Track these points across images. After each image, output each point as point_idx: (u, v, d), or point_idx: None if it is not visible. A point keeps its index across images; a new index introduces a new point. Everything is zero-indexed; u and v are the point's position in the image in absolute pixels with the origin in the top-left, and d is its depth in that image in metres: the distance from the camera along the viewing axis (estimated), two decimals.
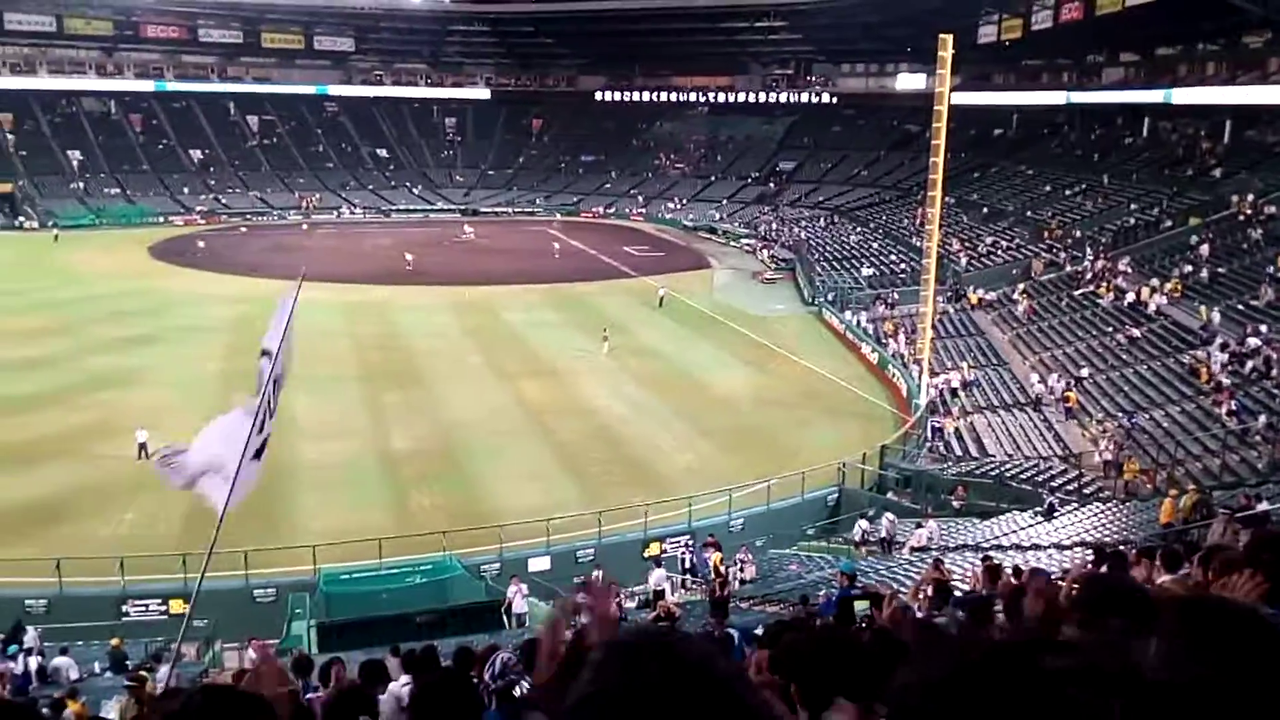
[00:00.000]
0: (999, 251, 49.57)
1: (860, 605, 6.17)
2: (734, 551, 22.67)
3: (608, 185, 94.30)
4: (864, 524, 23.78)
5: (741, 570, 22.03)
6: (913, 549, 21.28)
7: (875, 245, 57.63)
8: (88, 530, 22.60)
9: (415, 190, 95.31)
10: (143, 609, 20.06)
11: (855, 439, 29.67)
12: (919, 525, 22.67)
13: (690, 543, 23.56)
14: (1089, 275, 41.07)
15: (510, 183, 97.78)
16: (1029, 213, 53.99)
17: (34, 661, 15.97)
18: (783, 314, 48.84)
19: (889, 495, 26.89)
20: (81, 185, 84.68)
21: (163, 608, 20.09)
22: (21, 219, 77.12)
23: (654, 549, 23.57)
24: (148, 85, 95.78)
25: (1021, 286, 42.81)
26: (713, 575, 20.76)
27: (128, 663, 15.81)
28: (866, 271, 51.48)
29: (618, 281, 56.65)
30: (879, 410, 33.75)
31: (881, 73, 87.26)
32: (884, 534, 23.10)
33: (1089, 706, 0.94)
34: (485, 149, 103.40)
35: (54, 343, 38.86)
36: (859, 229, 63.80)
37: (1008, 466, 26.98)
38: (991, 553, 17.19)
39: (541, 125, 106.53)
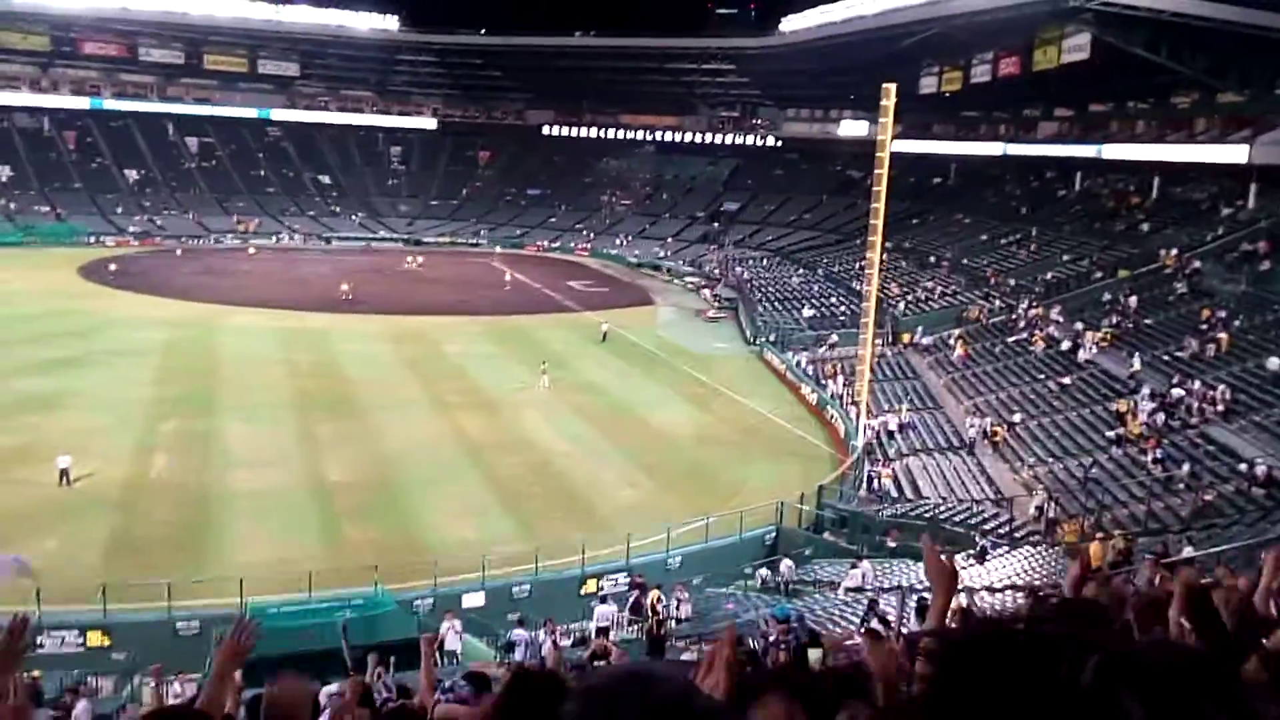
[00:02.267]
0: (936, 297, 50.56)
1: (814, 654, 6.13)
2: (671, 590, 22.52)
3: (553, 219, 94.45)
4: (764, 571, 24.14)
5: (678, 608, 21.89)
6: (848, 589, 21.37)
7: (816, 287, 58.40)
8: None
9: (358, 218, 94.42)
10: (58, 641, 19.30)
11: (794, 478, 29.81)
12: (854, 565, 22.79)
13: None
14: (1022, 323, 42.03)
15: (454, 214, 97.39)
16: (965, 260, 55.21)
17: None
18: (725, 352, 49.14)
19: (825, 535, 27.03)
20: (9, 201, 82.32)
21: (80, 640, 19.38)
22: None
23: (591, 585, 23.34)
24: (83, 103, 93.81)
25: (957, 332, 43.64)
26: (649, 614, 20.60)
27: (44, 697, 15.20)
28: (808, 313, 52.10)
29: (561, 315, 56.55)
30: (817, 450, 34.00)
31: (825, 118, 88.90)
32: (782, 578, 23.43)
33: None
34: (430, 179, 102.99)
35: None
36: (801, 270, 64.64)
37: (941, 509, 27.32)
38: (925, 594, 17.31)
39: (488, 157, 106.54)
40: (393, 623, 20.76)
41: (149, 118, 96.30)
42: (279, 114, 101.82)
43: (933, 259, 57.64)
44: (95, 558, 21.94)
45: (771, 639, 11.09)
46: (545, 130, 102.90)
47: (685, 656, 13.45)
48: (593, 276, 73.84)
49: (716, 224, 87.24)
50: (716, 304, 61.96)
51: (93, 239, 77.92)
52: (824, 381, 40.39)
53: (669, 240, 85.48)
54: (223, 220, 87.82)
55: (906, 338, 44.65)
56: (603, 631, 19.35)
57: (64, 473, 25.75)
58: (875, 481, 30.39)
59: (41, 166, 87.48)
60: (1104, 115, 60.54)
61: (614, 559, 24.29)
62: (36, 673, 16.90)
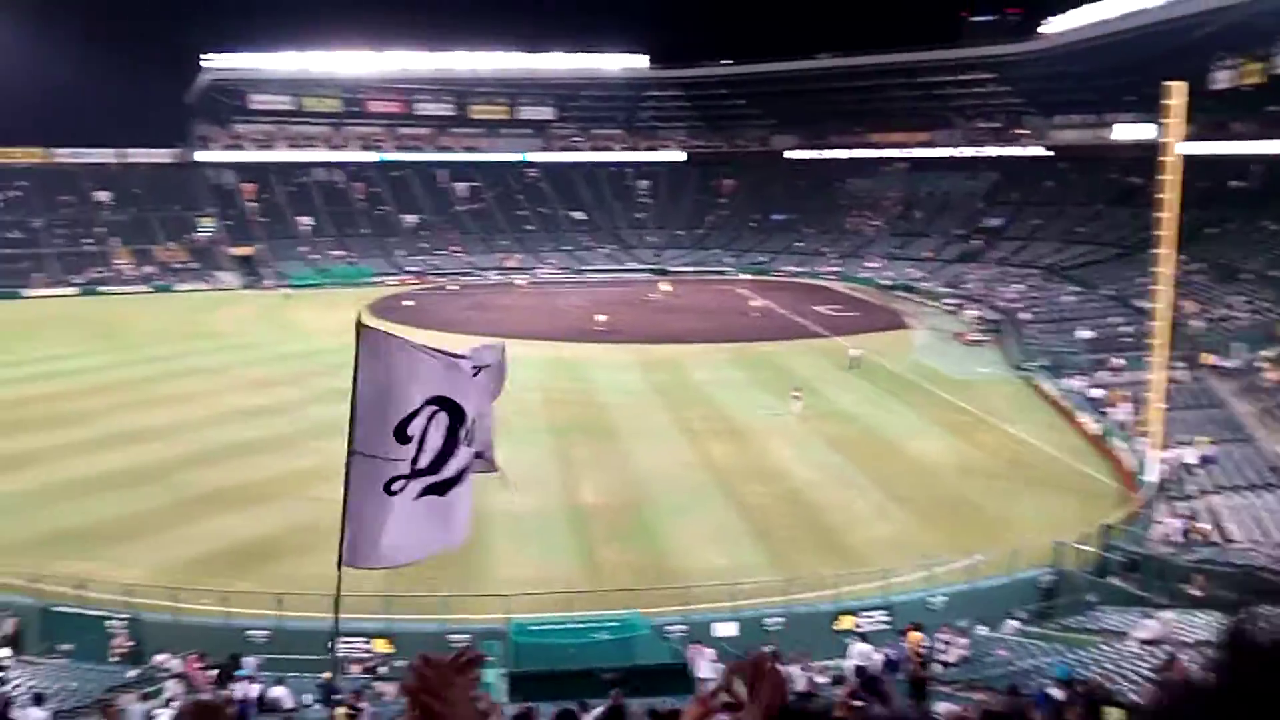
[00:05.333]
0: (1240, 314, 45.23)
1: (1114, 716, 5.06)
2: (936, 631, 21.02)
3: (799, 244, 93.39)
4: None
5: (945, 651, 20.36)
6: (1142, 641, 19.02)
7: (1094, 306, 53.97)
8: (303, 567, 23.36)
9: (608, 251, 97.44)
10: (350, 646, 20.50)
11: (1071, 516, 27.19)
12: (1147, 615, 20.32)
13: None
14: None
15: (700, 242, 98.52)
16: (1273, 271, 49.17)
17: (255, 689, 16.48)
18: (988, 378, 46.16)
19: (1111, 579, 24.40)
20: (310, 248, 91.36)
21: (368, 645, 20.58)
22: (258, 278, 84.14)
23: (846, 622, 22.19)
24: (370, 156, 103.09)
25: (1269, 353, 38.67)
26: (911, 655, 19.24)
27: (336, 697, 16.14)
28: (1084, 334, 48.12)
29: (809, 341, 55.39)
30: (1099, 486, 30.97)
31: (1098, 123, 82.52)
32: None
33: None
34: (677, 210, 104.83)
35: (282, 392, 41.56)
36: (1075, 289, 59.98)
37: (1255, 554, 23.95)
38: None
39: (733, 186, 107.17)
40: (646, 647, 20.64)
41: (424, 166, 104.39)
42: (536, 156, 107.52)
43: (1235, 271, 51.82)
44: (376, 570, 23.10)
45: (1061, 698, 9.75)
46: (789, 155, 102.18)
47: (944, 706, 12.19)
48: (841, 300, 72.11)
49: (976, 241, 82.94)
50: (978, 326, 58.60)
51: (378, 279, 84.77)
52: (1105, 409, 36.89)
53: (923, 260, 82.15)
54: (488, 257, 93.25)
55: (1206, 360, 40.06)
56: (860, 671, 18.20)
57: None
58: (1175, 522, 27.16)
59: (336, 216, 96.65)
60: None
61: (870, 595, 23.02)
62: (326, 675, 17.99)
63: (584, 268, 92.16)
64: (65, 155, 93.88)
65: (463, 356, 6.09)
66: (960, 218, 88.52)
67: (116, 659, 20.22)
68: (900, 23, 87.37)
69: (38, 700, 14.91)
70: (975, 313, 61.57)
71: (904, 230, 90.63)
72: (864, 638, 20.30)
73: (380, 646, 20.29)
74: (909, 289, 74.67)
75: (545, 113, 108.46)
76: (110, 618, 21.13)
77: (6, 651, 19.27)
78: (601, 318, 58.66)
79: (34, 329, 60.30)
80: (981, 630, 22.59)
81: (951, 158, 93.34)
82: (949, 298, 68.73)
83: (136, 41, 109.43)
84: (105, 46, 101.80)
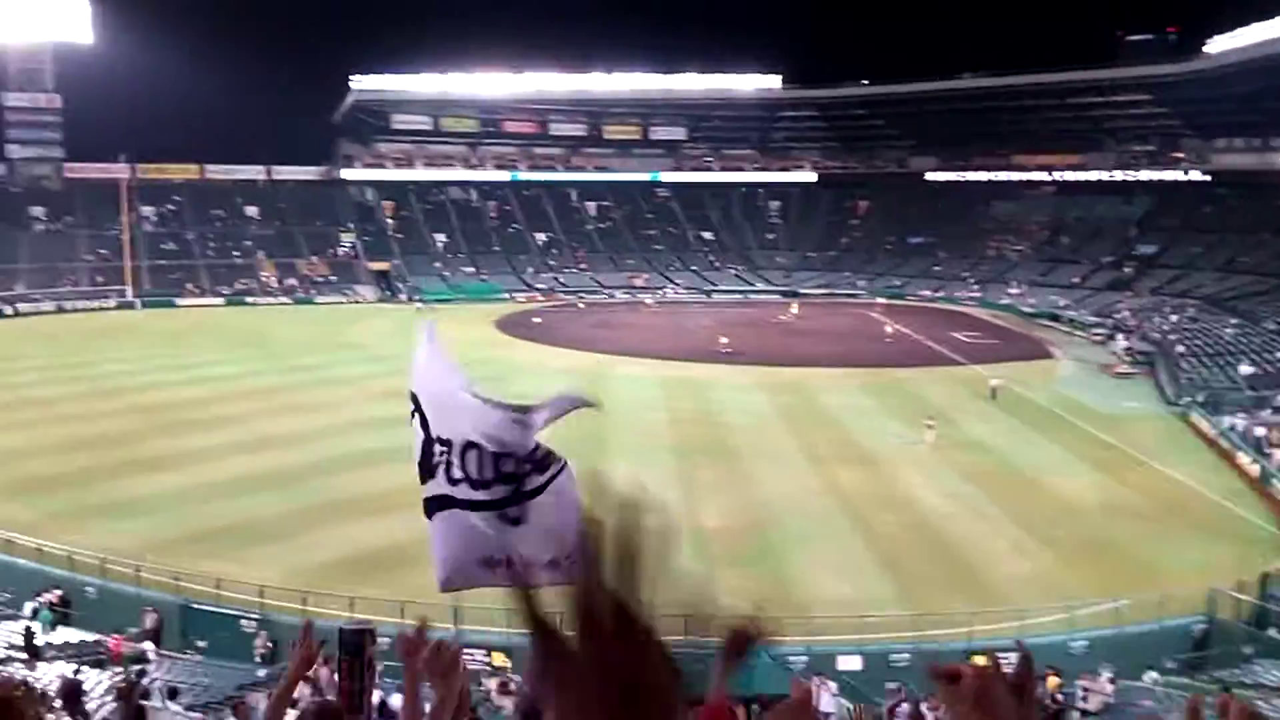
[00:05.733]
0: None
1: None
2: (1076, 678, 19.72)
3: (937, 268, 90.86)
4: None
5: (1085, 699, 19.06)
6: None
7: (1256, 340, 50.44)
8: (426, 575, 23.56)
9: (737, 271, 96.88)
10: (470, 658, 20.50)
11: (1227, 562, 25.18)
12: None
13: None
14: None
15: (832, 265, 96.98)
16: None
17: (375, 695, 16.52)
18: (1138, 413, 43.54)
19: (1271, 631, 22.44)
20: (443, 264, 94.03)
21: (486, 658, 20.54)
22: (393, 292, 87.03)
23: (979, 662, 20.96)
24: (504, 176, 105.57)
25: None
26: (1048, 700, 18.05)
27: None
28: (1246, 370, 44.98)
29: (945, 369, 53.54)
30: (1258, 531, 28.68)
31: (1265, 147, 77.60)
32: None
33: None
34: (808, 231, 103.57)
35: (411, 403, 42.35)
36: (1236, 321, 56.26)
37: None
38: None
39: (867, 207, 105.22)
40: (766, 677, 19.94)
41: (555, 186, 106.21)
42: (668, 176, 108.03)
43: None
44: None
45: None
46: (929, 176, 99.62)
47: None
48: (980, 327, 69.63)
49: (1128, 269, 78.96)
50: (1128, 358, 55.55)
51: (507, 295, 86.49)
52: (1269, 450, 34.22)
53: (1070, 288, 78.73)
54: (615, 276, 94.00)
55: None
56: None
57: None
58: None
59: (469, 233, 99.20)
60: None
61: (1004, 635, 21.74)
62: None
63: (712, 288, 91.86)
64: (217, 172, 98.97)
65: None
66: (1111, 244, 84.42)
67: (257, 659, 20.79)
68: (1051, 42, 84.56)
69: (172, 694, 15.37)
70: (1125, 344, 58.41)
71: (1050, 256, 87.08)
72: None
73: (498, 660, 20.20)
74: (1054, 317, 71.59)
75: (677, 133, 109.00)
76: (244, 617, 21.80)
77: (148, 645, 20.12)
78: (724, 339, 58.03)
79: (186, 336, 63.54)
80: (1125, 679, 21.14)
81: (1103, 181, 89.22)
82: (1097, 327, 65.49)
83: (288, 63, 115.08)
84: (258, 68, 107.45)
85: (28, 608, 22.07)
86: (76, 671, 15.34)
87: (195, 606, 22.30)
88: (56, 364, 52.10)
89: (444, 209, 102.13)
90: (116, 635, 20.42)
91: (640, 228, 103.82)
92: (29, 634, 19.34)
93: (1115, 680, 19.93)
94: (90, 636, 20.97)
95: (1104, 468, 34.59)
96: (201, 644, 21.61)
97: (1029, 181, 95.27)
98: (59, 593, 22.49)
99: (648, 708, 0.99)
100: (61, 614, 21.83)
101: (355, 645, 3.50)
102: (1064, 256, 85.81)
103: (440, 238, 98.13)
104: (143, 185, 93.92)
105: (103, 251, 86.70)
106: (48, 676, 15.85)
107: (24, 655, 18.33)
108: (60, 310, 76.82)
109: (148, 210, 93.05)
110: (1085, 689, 19.30)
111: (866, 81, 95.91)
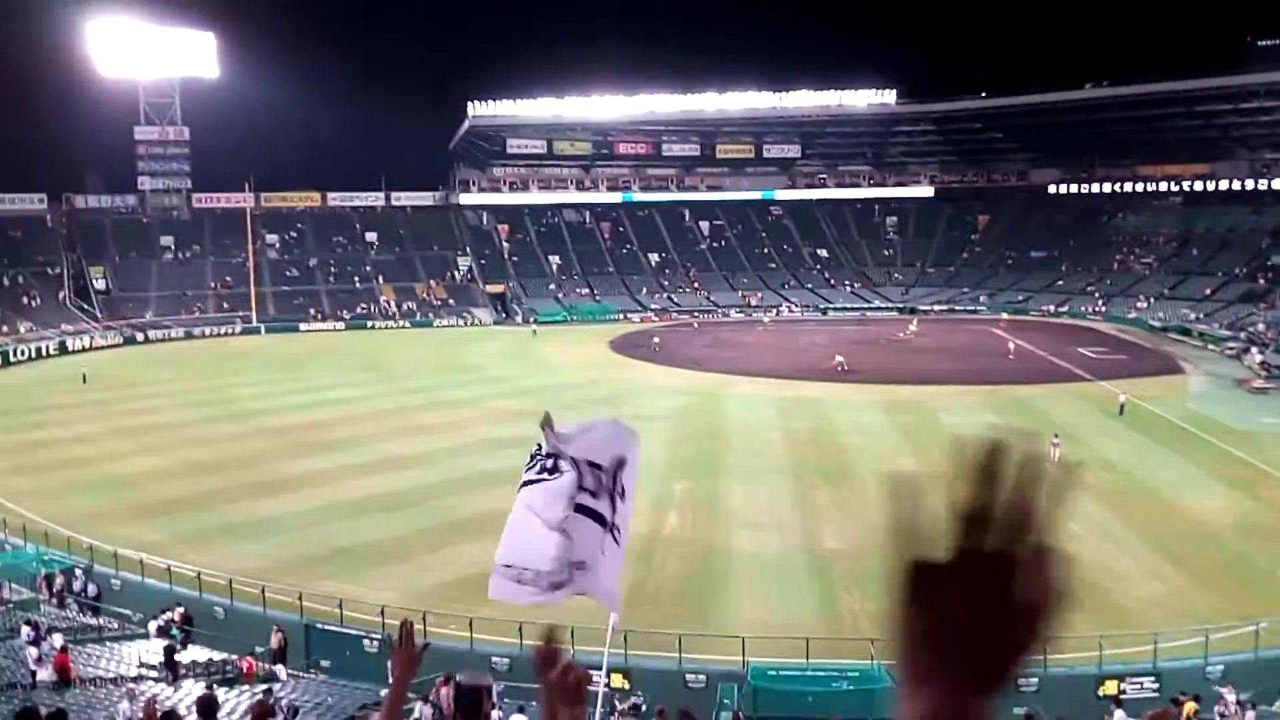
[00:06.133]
0: None
1: None
2: (1212, 701, 19.23)
3: (1060, 282, 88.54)
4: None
5: None
6: None
7: None
8: None
9: (853, 289, 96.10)
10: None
11: None
12: None
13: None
14: None
15: (951, 281, 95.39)
16: None
17: (495, 715, 17.31)
18: (1277, 429, 41.85)
19: None
20: (557, 286, 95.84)
21: (606, 680, 20.94)
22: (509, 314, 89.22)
23: (1110, 687, 20.68)
24: (616, 197, 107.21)
25: None
26: None
27: None
28: None
29: (1070, 385, 52.21)
30: None
31: None
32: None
33: None
34: (925, 247, 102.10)
35: (531, 425, 42.64)
36: None
37: None
38: None
39: (986, 221, 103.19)
40: (887, 701, 20.05)
41: (668, 206, 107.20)
42: (781, 194, 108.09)
43: None
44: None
45: None
46: (1050, 189, 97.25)
47: None
48: (1106, 342, 67.62)
49: (1262, 281, 75.55)
50: (1264, 373, 53.24)
51: (620, 316, 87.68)
52: None
53: (1200, 301, 75.75)
54: (729, 295, 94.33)
55: None
56: None
57: None
58: None
59: (582, 254, 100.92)
60: None
61: (1137, 659, 21.35)
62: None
63: (827, 306, 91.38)
64: (338, 199, 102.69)
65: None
66: (1243, 255, 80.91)
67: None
68: (1177, 48, 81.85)
69: (294, 713, 16.02)
70: (1261, 358, 56.01)
71: (1178, 268, 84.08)
72: (1119, 704, 18.92)
73: (617, 681, 20.20)
74: (1184, 331, 69.15)
75: (791, 150, 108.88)
76: (366, 637, 21.97)
77: (279, 666, 20.93)
78: (840, 358, 57.72)
79: (308, 361, 66.08)
80: (1265, 705, 20.51)
81: (1233, 191, 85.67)
82: (1230, 341, 62.96)
83: (406, 91, 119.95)
84: (377, 97, 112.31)
85: (152, 626, 23.26)
86: (210, 688, 15.97)
87: (319, 627, 22.70)
88: (184, 389, 54.48)
89: (558, 231, 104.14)
90: (250, 656, 21.17)
91: (754, 246, 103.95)
92: (170, 651, 20.21)
93: (1246, 704, 19.41)
94: (218, 655, 21.66)
95: (1239, 486, 33.43)
96: (325, 664, 22.10)
97: (1155, 193, 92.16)
98: (181, 610, 23.35)
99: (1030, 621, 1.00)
100: (184, 632, 22.69)
101: (472, 703, 3.48)
102: (1193, 268, 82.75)
103: (555, 260, 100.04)
104: (267, 213, 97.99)
105: (228, 278, 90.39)
106: (182, 695, 17.00)
107: (155, 674, 19.35)
108: (188, 336, 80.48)
109: (271, 237, 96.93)
110: (1222, 715, 18.85)
111: (984, 94, 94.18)
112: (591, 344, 71.49)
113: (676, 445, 39.47)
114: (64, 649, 18.61)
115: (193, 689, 17.50)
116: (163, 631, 22.79)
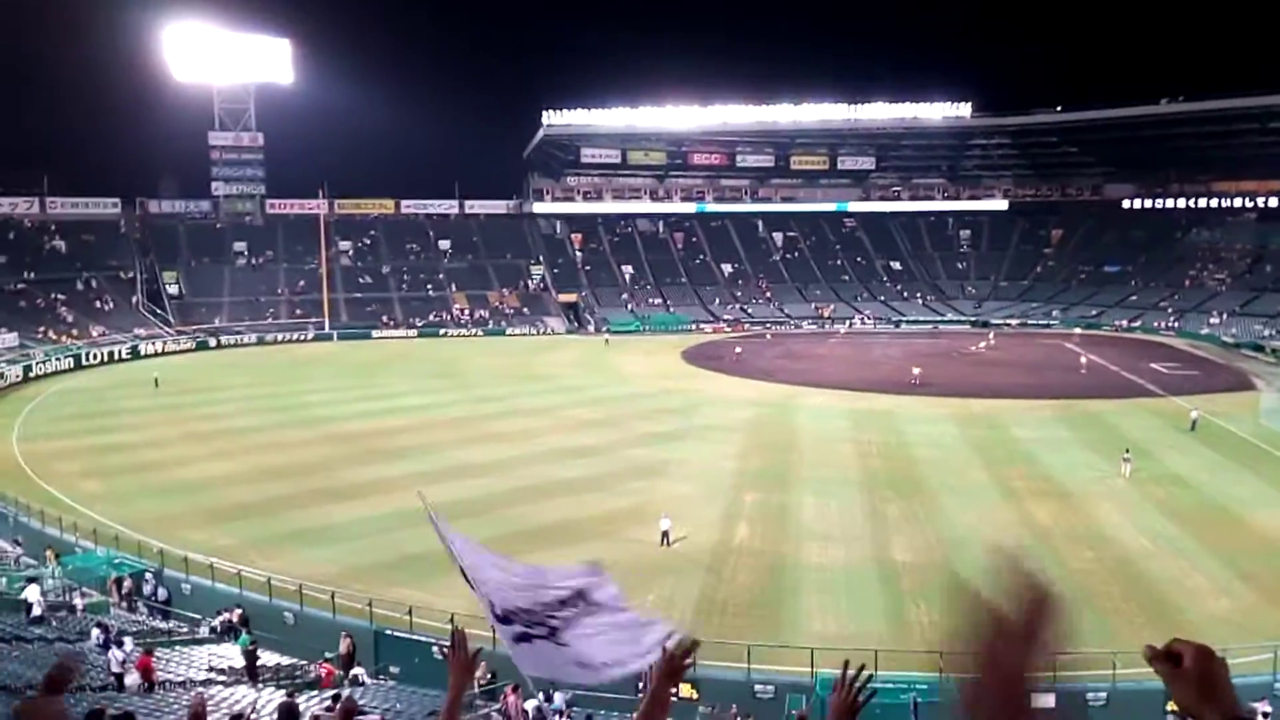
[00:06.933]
0: None
1: None
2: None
3: (1133, 297, 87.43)
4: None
5: None
6: None
7: None
8: None
9: (926, 301, 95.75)
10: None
11: None
12: None
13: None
14: None
15: (1024, 295, 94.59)
16: None
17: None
18: None
19: None
20: (629, 295, 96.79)
21: (674, 692, 21.25)
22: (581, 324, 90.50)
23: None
24: (690, 207, 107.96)
25: None
26: None
27: None
28: None
29: (1142, 400, 51.98)
30: None
31: None
32: None
33: None
34: (999, 260, 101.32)
35: (602, 434, 44.05)
36: None
37: None
38: None
39: (1060, 235, 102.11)
40: (955, 713, 20.35)
41: (742, 217, 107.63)
42: (855, 206, 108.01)
43: None
44: (687, 613, 23.93)
45: None
46: (1125, 204, 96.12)
47: None
48: (1179, 358, 66.83)
49: None
50: None
51: (693, 326, 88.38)
52: None
53: (1274, 317, 74.37)
54: (802, 307, 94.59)
55: None
56: None
57: (665, 534, 28.78)
58: None
59: (655, 264, 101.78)
60: None
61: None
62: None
63: (900, 318, 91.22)
64: (412, 206, 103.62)
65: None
66: None
67: (475, 690, 21.32)
68: (1251, 64, 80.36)
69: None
70: None
71: (1252, 284, 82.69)
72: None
73: (685, 691, 20.15)
74: (1257, 347, 68.21)
75: (865, 162, 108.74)
76: (435, 643, 21.44)
77: (360, 670, 21.08)
78: (917, 370, 57.97)
79: (380, 368, 67.02)
80: None
81: None
82: None
83: (480, 99, 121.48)
84: (451, 104, 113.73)
85: (207, 627, 23.54)
86: (292, 694, 16.04)
87: (388, 633, 22.63)
88: (257, 394, 55.46)
89: (631, 241, 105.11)
90: (327, 663, 21.47)
91: (827, 258, 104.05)
92: (251, 655, 20.48)
93: None
94: (286, 660, 21.95)
95: None
96: (394, 669, 22.15)
97: (1229, 208, 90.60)
98: (240, 611, 23.54)
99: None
100: (245, 633, 22.62)
101: None
102: (1267, 285, 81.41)
103: (627, 269, 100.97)
104: (340, 220, 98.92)
105: (301, 284, 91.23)
106: (258, 699, 17.23)
107: (224, 678, 19.53)
108: (261, 342, 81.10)
109: (345, 244, 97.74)
110: None
111: (1059, 108, 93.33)
112: (664, 354, 72.35)
113: (747, 456, 40.20)
114: (148, 652, 18.95)
115: (269, 695, 17.78)
116: (224, 631, 22.98)
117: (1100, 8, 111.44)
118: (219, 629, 23.42)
